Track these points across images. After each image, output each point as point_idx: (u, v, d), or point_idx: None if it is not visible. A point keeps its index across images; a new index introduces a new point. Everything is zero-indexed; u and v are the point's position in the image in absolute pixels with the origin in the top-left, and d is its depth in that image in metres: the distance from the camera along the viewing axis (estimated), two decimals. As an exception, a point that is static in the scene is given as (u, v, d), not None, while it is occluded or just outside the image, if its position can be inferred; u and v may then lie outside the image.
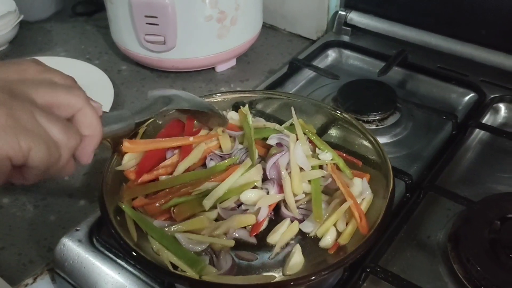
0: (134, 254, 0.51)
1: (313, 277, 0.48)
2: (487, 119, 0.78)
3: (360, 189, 0.59)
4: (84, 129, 0.47)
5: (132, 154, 0.62)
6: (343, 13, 0.98)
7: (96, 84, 0.87)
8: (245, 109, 0.67)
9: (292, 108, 0.67)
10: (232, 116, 0.69)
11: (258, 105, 0.73)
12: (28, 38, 1.08)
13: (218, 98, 0.70)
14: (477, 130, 0.74)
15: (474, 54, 0.87)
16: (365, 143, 0.63)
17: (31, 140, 0.40)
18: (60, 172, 0.45)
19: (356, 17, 0.98)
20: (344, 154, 0.64)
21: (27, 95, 0.43)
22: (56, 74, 0.68)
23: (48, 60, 0.71)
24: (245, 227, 0.57)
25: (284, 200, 0.59)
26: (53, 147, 0.42)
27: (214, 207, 0.58)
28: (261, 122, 0.68)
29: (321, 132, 0.68)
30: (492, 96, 0.80)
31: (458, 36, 0.89)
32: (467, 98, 0.82)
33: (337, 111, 0.67)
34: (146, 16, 0.84)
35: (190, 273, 0.50)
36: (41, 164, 0.42)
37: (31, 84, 0.44)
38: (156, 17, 0.84)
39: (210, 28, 0.87)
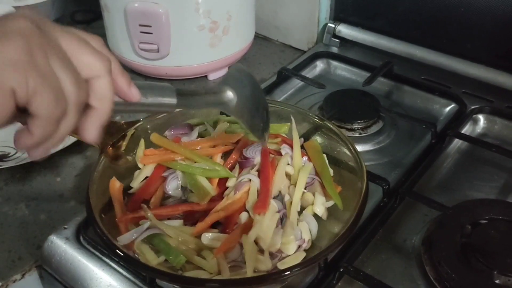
0: (117, 251, 0.53)
1: (286, 273, 0.50)
2: (466, 129, 0.80)
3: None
4: (93, 99, 0.42)
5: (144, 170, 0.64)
6: (332, 25, 1.01)
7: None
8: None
9: (292, 119, 0.69)
10: None
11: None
12: (28, 44, 1.11)
13: (205, 104, 0.72)
14: (456, 139, 0.77)
15: (457, 67, 0.90)
16: (345, 150, 0.66)
17: (40, 82, 0.36)
18: (64, 134, 0.40)
19: (344, 30, 1.01)
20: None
21: (53, 34, 0.39)
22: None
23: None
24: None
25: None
26: (61, 98, 0.38)
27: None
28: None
29: (306, 138, 0.70)
30: (472, 107, 0.82)
31: (443, 49, 0.91)
32: (448, 108, 0.84)
33: (316, 118, 0.69)
34: (140, 25, 0.87)
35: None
36: (45, 112, 0.38)
37: (62, 29, 0.40)
38: (150, 26, 0.87)
39: (203, 37, 0.90)
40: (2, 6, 1.02)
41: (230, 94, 0.54)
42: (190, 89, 0.52)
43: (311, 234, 0.57)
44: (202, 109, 0.55)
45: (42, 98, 0.37)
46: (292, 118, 0.68)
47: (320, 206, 0.59)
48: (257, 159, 0.63)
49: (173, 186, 0.62)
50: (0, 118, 0.36)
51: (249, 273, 0.51)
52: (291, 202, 0.59)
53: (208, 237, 0.55)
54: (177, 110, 0.55)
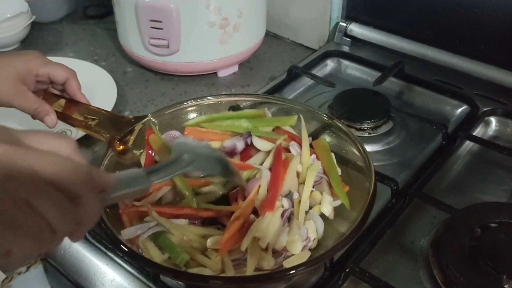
0: (122, 246, 0.53)
1: (291, 272, 0.49)
2: (478, 131, 0.79)
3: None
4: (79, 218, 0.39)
5: None
6: (344, 24, 1.00)
7: (101, 85, 0.90)
8: None
9: (301, 117, 0.68)
10: None
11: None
12: (39, 38, 1.11)
13: (213, 100, 0.72)
14: (467, 141, 0.76)
15: (470, 68, 0.88)
16: (354, 149, 0.65)
17: (12, 237, 0.34)
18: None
19: (356, 29, 1.00)
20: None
21: (25, 166, 0.35)
22: (58, 66, 0.71)
23: (57, 61, 0.74)
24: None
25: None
26: (47, 235, 0.36)
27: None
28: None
29: (314, 137, 0.69)
30: (484, 109, 0.81)
31: (455, 50, 0.90)
32: (460, 110, 0.83)
33: (325, 116, 0.68)
34: (151, 20, 0.87)
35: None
36: (27, 256, 0.36)
37: (33, 154, 0.36)
38: (160, 22, 0.87)
39: (213, 34, 0.89)
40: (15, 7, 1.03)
41: (187, 156, 0.55)
42: (158, 165, 0.53)
43: (317, 233, 0.57)
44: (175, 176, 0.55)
45: (20, 249, 0.35)
46: (301, 116, 0.68)
47: (327, 205, 0.59)
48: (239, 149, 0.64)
49: None
50: None
51: (249, 271, 0.51)
52: (299, 201, 0.58)
53: (212, 240, 0.55)
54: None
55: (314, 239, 0.56)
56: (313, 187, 0.60)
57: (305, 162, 0.62)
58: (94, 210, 0.39)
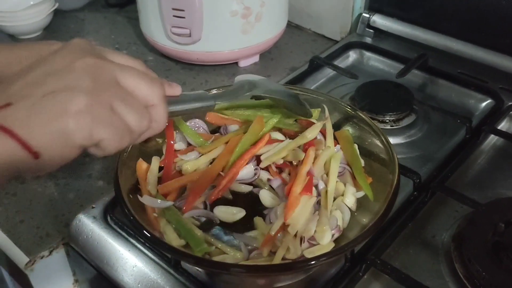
0: (144, 231, 0.53)
1: (312, 262, 0.49)
2: (503, 125, 0.78)
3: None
4: (150, 122, 0.47)
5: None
6: (367, 15, 0.99)
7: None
8: None
9: (325, 108, 0.68)
10: None
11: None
12: (62, 26, 1.12)
13: (236, 89, 0.72)
14: (492, 135, 0.75)
15: (495, 61, 0.87)
16: (377, 141, 0.64)
17: (104, 132, 0.41)
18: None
19: (379, 20, 0.98)
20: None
21: (111, 76, 0.43)
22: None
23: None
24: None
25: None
26: (126, 134, 0.43)
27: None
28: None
29: (336, 128, 0.69)
30: (509, 103, 0.80)
31: (481, 43, 0.89)
32: (484, 104, 0.82)
33: (350, 108, 0.68)
34: (173, 9, 0.87)
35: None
36: (110, 150, 0.43)
37: (117, 66, 0.44)
38: (183, 10, 0.87)
39: (235, 23, 0.89)
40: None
41: (259, 77, 0.63)
42: (226, 89, 0.63)
43: (343, 223, 0.57)
44: (236, 101, 0.61)
45: (107, 142, 0.42)
46: (325, 107, 0.67)
47: (350, 197, 0.58)
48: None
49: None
50: (66, 161, 0.42)
51: (276, 259, 0.51)
52: (325, 191, 0.58)
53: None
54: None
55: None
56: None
57: (329, 153, 0.62)
58: (162, 116, 0.47)
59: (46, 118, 0.39)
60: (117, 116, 0.42)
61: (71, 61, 0.42)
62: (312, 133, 0.62)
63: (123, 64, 0.46)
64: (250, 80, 0.62)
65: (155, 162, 0.62)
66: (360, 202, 0.60)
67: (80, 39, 0.46)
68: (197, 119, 0.68)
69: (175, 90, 0.51)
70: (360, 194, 0.60)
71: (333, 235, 0.54)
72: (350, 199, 0.58)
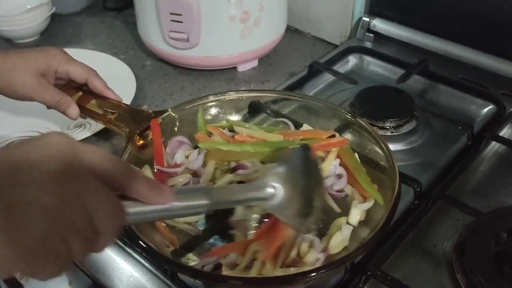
0: (140, 242, 0.52)
1: (312, 274, 0.48)
2: (505, 132, 0.77)
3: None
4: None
5: None
6: (367, 19, 0.98)
7: (120, 78, 0.89)
8: None
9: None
10: None
11: (274, 106, 0.74)
12: (59, 30, 1.11)
13: (234, 96, 0.71)
14: (493, 142, 0.74)
15: (497, 67, 0.86)
16: (377, 148, 0.63)
17: (45, 270, 0.34)
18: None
19: (379, 24, 0.98)
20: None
21: (76, 195, 0.35)
22: (80, 65, 0.70)
23: (76, 53, 0.74)
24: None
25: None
26: (65, 266, 0.35)
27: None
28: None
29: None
30: (511, 109, 0.79)
31: (482, 48, 0.88)
32: (486, 110, 0.81)
33: (350, 115, 0.67)
34: (171, 13, 0.86)
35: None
36: (42, 279, 0.35)
37: (85, 183, 0.35)
38: (181, 15, 0.86)
39: (233, 27, 0.88)
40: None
41: (271, 191, 0.48)
42: (226, 187, 0.52)
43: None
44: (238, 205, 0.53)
45: (42, 276, 0.35)
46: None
47: (355, 216, 0.58)
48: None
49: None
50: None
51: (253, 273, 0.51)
52: None
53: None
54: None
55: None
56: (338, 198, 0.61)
57: None
58: (106, 247, 0.38)
59: None
60: (81, 209, 0.34)
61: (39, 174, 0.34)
62: None
63: (91, 146, 0.38)
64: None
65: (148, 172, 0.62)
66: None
67: (56, 134, 0.37)
68: (180, 136, 0.68)
69: (165, 200, 0.41)
70: (369, 205, 0.59)
71: (318, 259, 0.53)
72: (355, 219, 0.58)
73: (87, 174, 0.36)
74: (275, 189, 0.48)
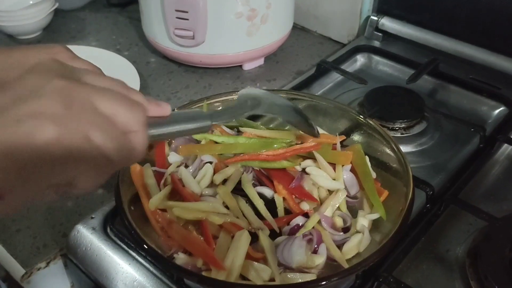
0: (145, 246, 0.50)
1: (323, 283, 0.47)
2: (517, 134, 0.75)
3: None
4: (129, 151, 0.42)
5: None
6: (375, 18, 0.97)
7: (123, 75, 0.86)
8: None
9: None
10: None
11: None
12: (62, 25, 1.10)
13: (241, 95, 0.69)
14: (506, 145, 0.72)
15: (508, 67, 0.84)
16: (388, 150, 0.62)
17: (77, 167, 0.37)
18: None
19: (388, 23, 0.96)
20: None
21: (86, 101, 0.38)
22: (84, 63, 0.69)
23: (78, 49, 0.72)
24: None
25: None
26: (104, 167, 0.39)
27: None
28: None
29: (345, 136, 0.66)
30: (524, 111, 0.78)
31: (493, 47, 0.86)
32: (497, 111, 0.80)
33: (360, 116, 0.65)
34: (177, 10, 0.84)
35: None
36: (86, 188, 0.39)
37: (93, 88, 0.39)
38: (186, 12, 0.84)
39: (240, 25, 0.86)
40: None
41: (263, 92, 0.57)
42: (227, 106, 0.59)
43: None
44: (238, 118, 0.58)
45: (82, 180, 0.38)
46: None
47: (363, 223, 0.56)
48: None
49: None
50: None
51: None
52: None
53: None
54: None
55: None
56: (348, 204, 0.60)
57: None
58: (142, 144, 0.41)
59: None
60: (93, 147, 0.37)
61: (40, 85, 0.37)
62: None
63: (100, 85, 0.40)
64: (254, 95, 0.56)
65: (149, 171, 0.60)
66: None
67: (52, 59, 0.41)
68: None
69: (164, 109, 0.45)
70: (376, 215, 0.57)
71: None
72: (362, 227, 0.56)
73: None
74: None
